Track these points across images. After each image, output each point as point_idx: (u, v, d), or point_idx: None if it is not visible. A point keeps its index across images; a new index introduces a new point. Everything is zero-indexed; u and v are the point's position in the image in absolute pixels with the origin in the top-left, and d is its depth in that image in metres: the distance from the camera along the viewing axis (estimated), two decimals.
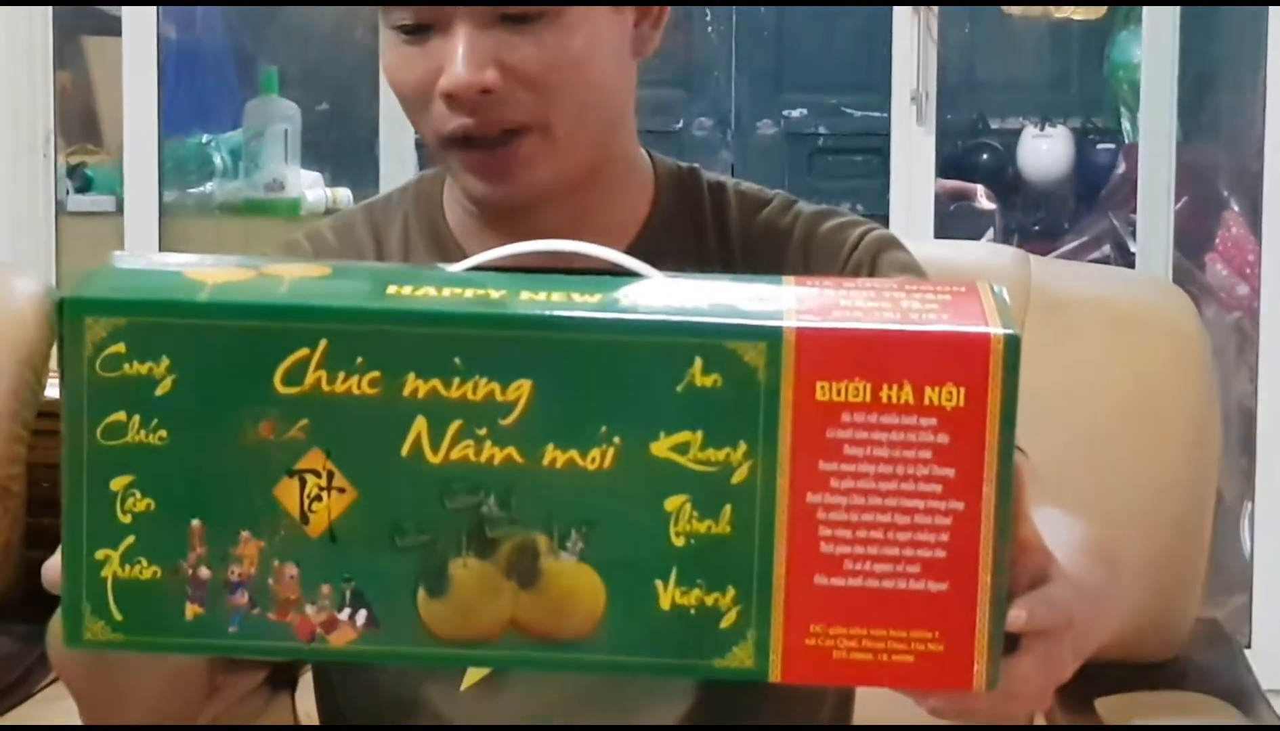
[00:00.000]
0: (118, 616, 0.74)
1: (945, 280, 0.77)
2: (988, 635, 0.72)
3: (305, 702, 1.26)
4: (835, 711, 1.08)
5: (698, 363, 0.72)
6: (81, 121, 2.93)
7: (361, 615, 0.74)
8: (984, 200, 2.95)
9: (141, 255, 0.79)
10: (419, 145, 2.76)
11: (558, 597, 0.73)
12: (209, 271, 0.75)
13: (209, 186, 2.94)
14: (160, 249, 2.57)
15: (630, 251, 1.01)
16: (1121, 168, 3.04)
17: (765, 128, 3.90)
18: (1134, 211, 2.61)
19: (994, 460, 0.71)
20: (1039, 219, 2.99)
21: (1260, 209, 2.44)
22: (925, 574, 0.72)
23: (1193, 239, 2.69)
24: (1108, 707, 1.27)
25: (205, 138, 2.97)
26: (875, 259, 1.03)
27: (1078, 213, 3.00)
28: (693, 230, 1.04)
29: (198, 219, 2.87)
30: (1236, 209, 2.75)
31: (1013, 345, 0.71)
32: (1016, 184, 3.06)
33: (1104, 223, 2.86)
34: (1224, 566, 2.47)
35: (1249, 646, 2.41)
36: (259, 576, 0.73)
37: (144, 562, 0.73)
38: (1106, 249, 2.80)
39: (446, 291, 0.74)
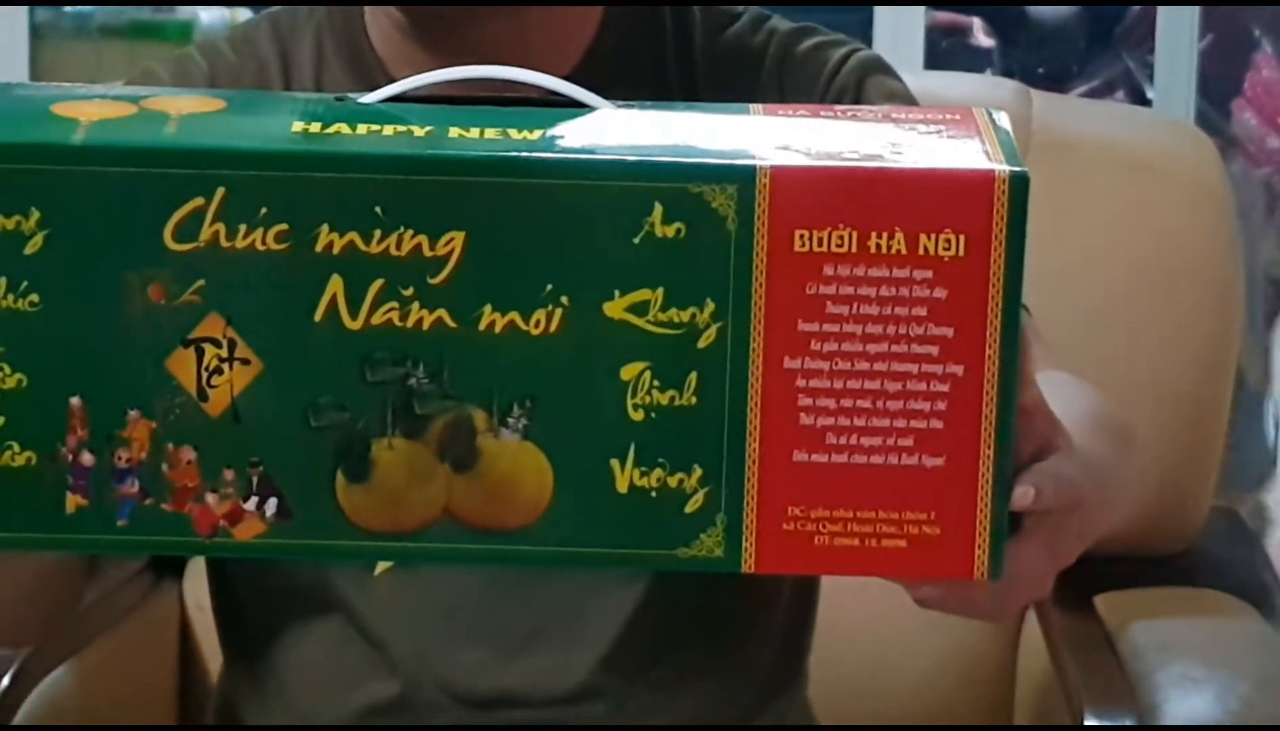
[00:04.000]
0: None
1: (938, 107, 0.76)
2: (990, 516, 0.73)
3: (195, 591, 1.27)
4: (794, 598, 1.09)
5: (657, 209, 0.71)
6: None
7: (271, 504, 0.73)
8: (981, 36, 2.93)
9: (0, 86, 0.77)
10: None
11: (498, 481, 0.73)
12: (82, 106, 0.74)
13: (87, 4, 2.87)
14: (31, 78, 2.53)
15: (580, 70, 1.00)
16: None
17: None
18: (1152, 51, 2.60)
19: (998, 318, 0.71)
20: (1044, 59, 2.97)
21: None
22: (919, 447, 0.72)
23: (1218, 83, 2.68)
24: (1108, 605, 1.29)
25: None
26: (861, 84, 1.03)
27: (1088, 53, 2.98)
28: (650, 49, 1.03)
29: (74, 43, 2.80)
30: (1269, 50, 2.75)
31: (1020, 184, 0.71)
32: (1019, 18, 3.03)
33: (1118, 64, 2.86)
34: (1247, 458, 2.50)
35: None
36: (151, 462, 0.73)
37: (15, 447, 0.73)
38: (1120, 95, 2.79)
39: (363, 128, 0.73)
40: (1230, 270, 1.38)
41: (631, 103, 0.77)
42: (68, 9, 2.81)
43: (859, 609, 1.23)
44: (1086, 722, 1.17)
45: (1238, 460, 1.59)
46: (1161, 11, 2.56)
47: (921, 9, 2.48)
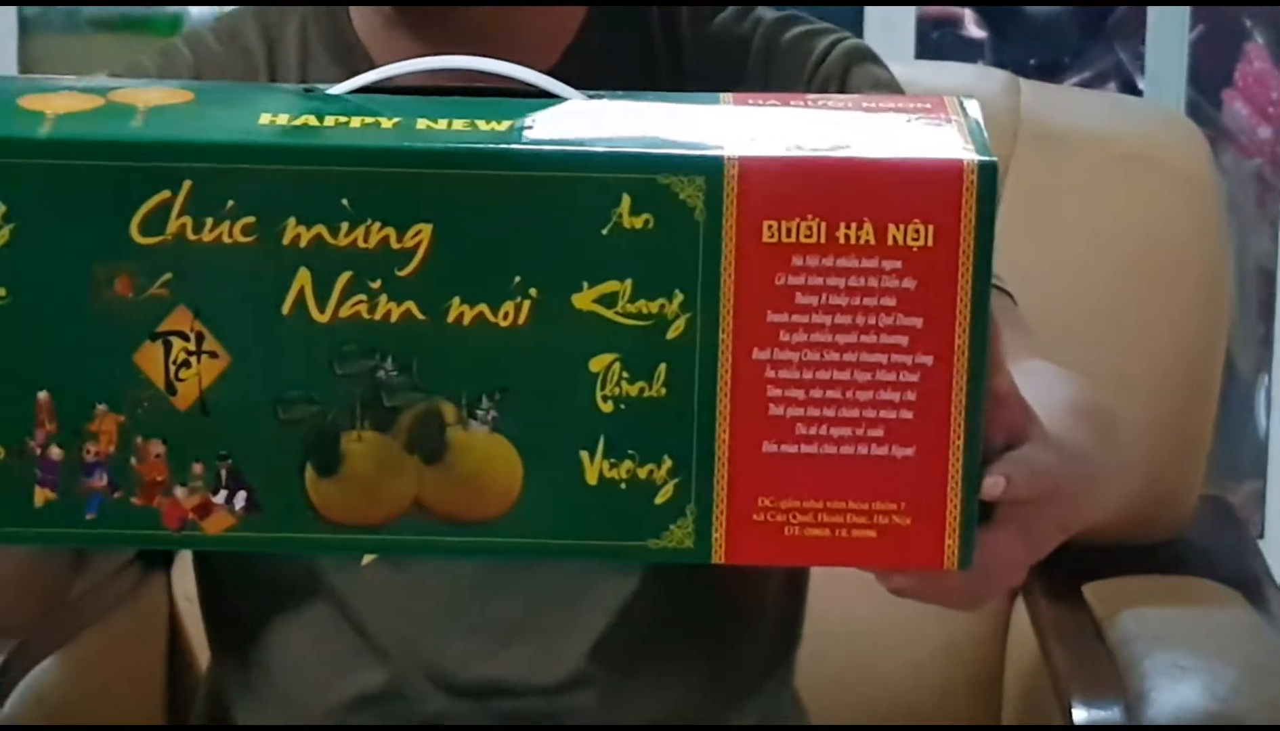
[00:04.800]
0: None
1: (910, 96, 0.76)
2: (960, 506, 0.72)
3: (183, 583, 1.28)
4: (783, 591, 1.09)
5: (625, 201, 0.71)
6: None
7: (240, 497, 0.73)
8: (973, 28, 2.93)
9: None
10: None
11: (467, 474, 0.73)
12: (49, 99, 0.73)
13: (80, 3, 2.86)
14: (20, 72, 2.53)
15: (567, 59, 1.00)
16: None
17: None
18: (1143, 43, 2.60)
19: (967, 307, 0.71)
20: (1036, 51, 2.96)
21: None
22: (889, 438, 0.72)
23: (1209, 74, 2.68)
24: (1096, 593, 1.29)
25: None
26: (846, 74, 1.02)
27: (1081, 44, 2.98)
28: (637, 38, 1.03)
29: (64, 36, 2.80)
30: (1260, 40, 2.74)
31: (988, 174, 0.70)
32: (1011, 10, 3.03)
33: (1110, 56, 2.85)
34: (1237, 449, 2.49)
35: (1262, 536, 2.43)
36: (119, 455, 0.72)
37: None
38: (1112, 86, 2.79)
39: (331, 121, 0.73)
40: (1219, 260, 1.38)
41: (601, 93, 0.77)
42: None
43: (847, 600, 1.23)
44: (1074, 710, 1.16)
45: (1227, 449, 1.58)
46: (1153, 3, 2.55)
47: (911, 6, 2.47)
